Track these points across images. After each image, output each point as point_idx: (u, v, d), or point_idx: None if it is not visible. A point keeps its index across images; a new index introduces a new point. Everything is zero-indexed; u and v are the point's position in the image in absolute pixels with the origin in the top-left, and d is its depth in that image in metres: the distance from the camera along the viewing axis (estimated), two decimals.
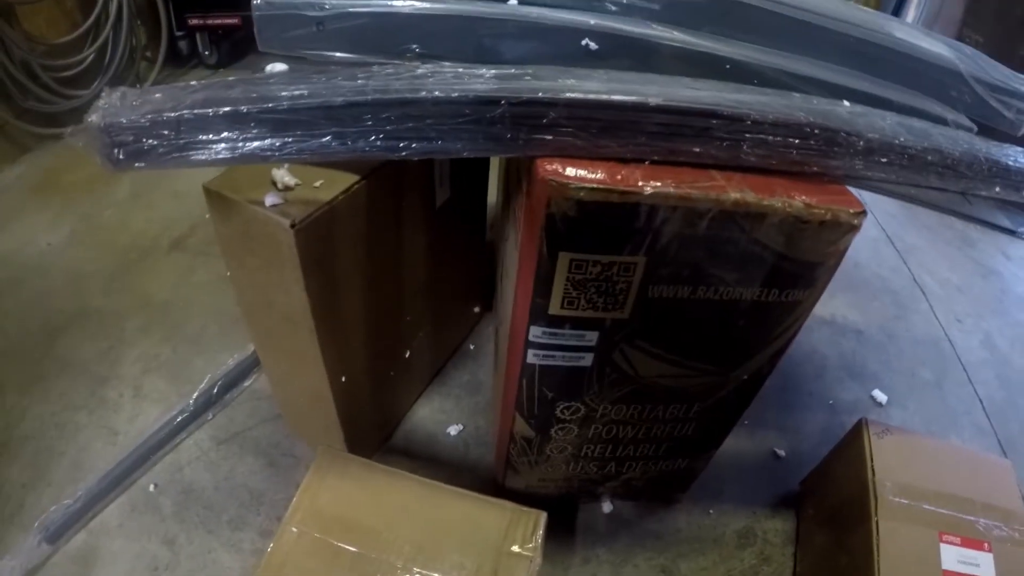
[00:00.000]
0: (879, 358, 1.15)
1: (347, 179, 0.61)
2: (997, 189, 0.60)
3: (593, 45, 0.60)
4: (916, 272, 1.36)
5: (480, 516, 0.65)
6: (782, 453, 0.97)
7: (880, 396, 1.08)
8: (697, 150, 0.51)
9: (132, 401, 0.94)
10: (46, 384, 0.94)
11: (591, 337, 0.57)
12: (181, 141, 0.55)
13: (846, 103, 0.57)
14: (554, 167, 0.48)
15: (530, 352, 0.59)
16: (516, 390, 0.64)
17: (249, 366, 0.97)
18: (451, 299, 0.89)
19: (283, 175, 0.61)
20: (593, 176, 0.48)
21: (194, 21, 1.69)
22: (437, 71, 0.53)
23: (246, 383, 0.97)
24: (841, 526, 0.80)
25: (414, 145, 0.51)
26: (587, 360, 0.59)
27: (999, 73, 0.65)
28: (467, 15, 0.61)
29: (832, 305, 1.24)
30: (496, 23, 0.61)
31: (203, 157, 0.56)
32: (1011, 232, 0.75)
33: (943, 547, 0.71)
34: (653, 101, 0.49)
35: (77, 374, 0.96)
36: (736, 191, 0.49)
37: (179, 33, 1.71)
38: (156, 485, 0.83)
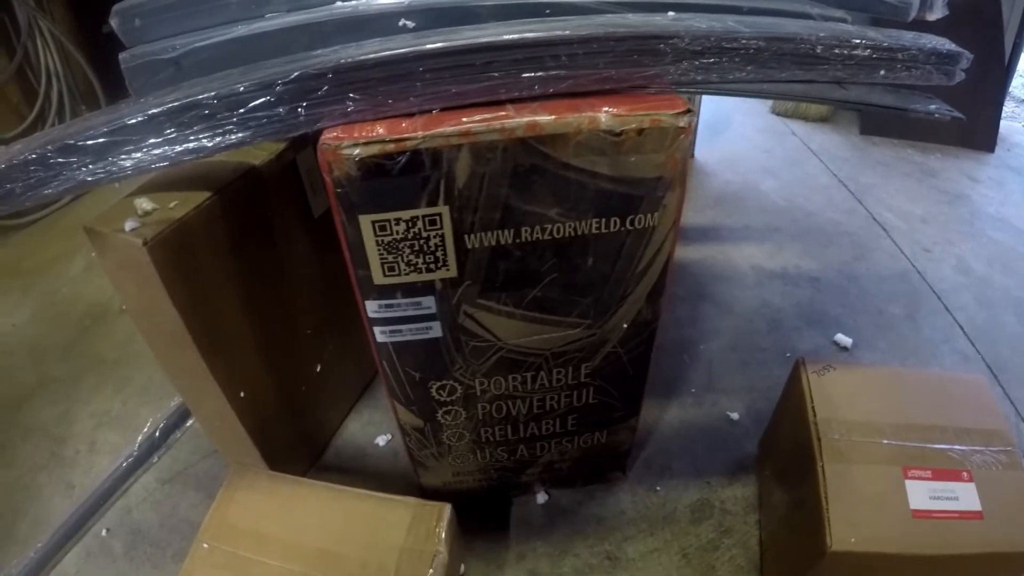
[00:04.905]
0: (840, 302, 1.07)
1: (199, 196, 0.64)
2: (882, 72, 0.56)
3: (410, 23, 0.61)
4: (874, 210, 1.28)
5: (384, 515, 0.65)
6: (736, 416, 0.90)
7: (844, 340, 0.99)
8: (486, 87, 0.50)
9: (87, 456, 0.97)
10: (12, 451, 0.99)
11: (428, 303, 0.55)
12: (32, 180, 0.60)
13: (670, 13, 0.54)
14: (334, 134, 0.48)
15: (376, 331, 0.57)
16: (384, 376, 0.62)
17: (188, 408, 0.99)
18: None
19: (142, 202, 0.63)
20: (370, 133, 0.48)
21: None
22: (229, 74, 0.56)
23: (188, 423, 0.99)
24: (792, 479, 0.72)
25: (214, 141, 0.53)
26: (436, 330, 0.58)
27: None
28: (293, 25, 0.64)
29: (781, 257, 1.17)
30: (321, 25, 0.63)
31: (51, 191, 0.60)
32: (902, 110, 0.70)
33: (909, 484, 0.63)
34: (418, 49, 0.49)
35: (38, 438, 1.00)
36: (526, 117, 0.48)
37: None
38: (108, 530, 0.86)
